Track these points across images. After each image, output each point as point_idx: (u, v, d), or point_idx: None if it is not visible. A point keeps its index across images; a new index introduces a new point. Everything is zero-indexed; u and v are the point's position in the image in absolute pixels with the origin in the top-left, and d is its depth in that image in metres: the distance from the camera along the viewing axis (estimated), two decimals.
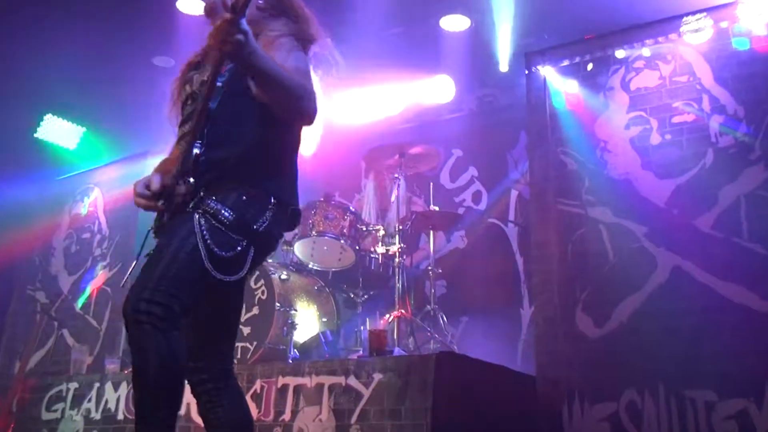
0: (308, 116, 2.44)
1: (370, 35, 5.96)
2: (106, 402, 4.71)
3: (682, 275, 4.25)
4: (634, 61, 4.84)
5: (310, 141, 6.97)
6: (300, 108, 2.40)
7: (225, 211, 2.32)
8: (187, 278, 2.23)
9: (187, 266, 2.23)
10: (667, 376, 4.10)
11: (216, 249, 2.28)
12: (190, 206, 2.32)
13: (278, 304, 4.72)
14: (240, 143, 2.41)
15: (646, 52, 4.82)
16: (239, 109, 2.42)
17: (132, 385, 2.24)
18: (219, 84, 2.38)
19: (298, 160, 2.64)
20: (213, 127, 2.37)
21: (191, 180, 2.33)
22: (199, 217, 2.30)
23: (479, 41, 6.16)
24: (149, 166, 6.85)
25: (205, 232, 2.28)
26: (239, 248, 2.34)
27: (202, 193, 2.33)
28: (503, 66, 6.24)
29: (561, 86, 5.05)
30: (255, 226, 2.37)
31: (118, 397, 4.68)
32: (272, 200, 2.43)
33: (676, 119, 4.58)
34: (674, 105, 4.61)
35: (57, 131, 7.38)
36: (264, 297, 4.80)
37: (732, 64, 4.50)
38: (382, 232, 5.35)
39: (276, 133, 2.48)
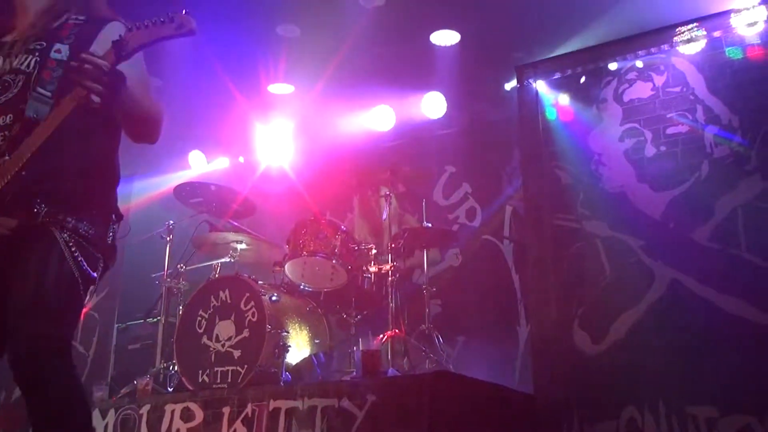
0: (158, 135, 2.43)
1: (362, 52, 5.99)
2: (93, 430, 4.65)
3: (680, 289, 4.24)
4: (627, 72, 4.86)
5: (295, 158, 7.00)
6: (158, 130, 2.40)
7: (83, 225, 2.26)
8: (70, 306, 2.21)
9: (68, 294, 2.19)
10: (668, 392, 4.07)
11: (89, 270, 2.24)
12: (39, 220, 2.21)
13: (269, 326, 4.69)
14: (79, 153, 2.32)
15: (638, 63, 4.84)
16: (73, 118, 2.24)
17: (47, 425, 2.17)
18: (48, 94, 2.24)
19: None
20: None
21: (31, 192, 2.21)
22: (62, 234, 2.22)
23: (469, 55, 6.19)
24: (136, 188, 6.87)
25: (74, 251, 2.22)
26: (101, 265, 2.32)
27: (44, 206, 2.22)
28: (494, 80, 6.27)
29: (553, 99, 5.07)
30: (108, 240, 2.35)
31: (105, 425, 4.62)
32: (112, 212, 2.41)
33: (670, 130, 4.59)
34: (668, 116, 4.62)
35: None
36: (254, 319, 4.78)
37: (726, 73, 4.52)
38: (374, 251, 5.34)
39: (111, 142, 2.45)
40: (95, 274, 2.28)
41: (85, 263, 2.22)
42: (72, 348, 2.22)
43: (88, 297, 2.36)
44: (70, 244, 2.21)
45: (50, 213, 2.23)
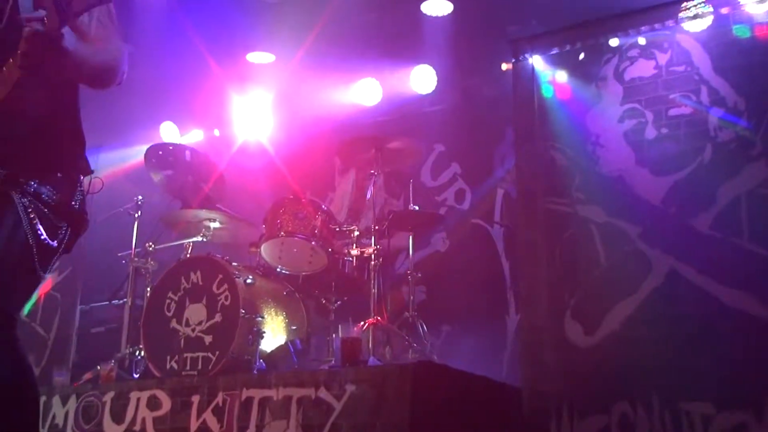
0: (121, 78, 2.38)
1: (348, 19, 5.96)
2: (54, 417, 4.65)
3: (679, 279, 4.27)
4: (629, 49, 4.86)
5: (274, 133, 6.98)
6: (114, 78, 2.34)
7: (46, 189, 2.24)
8: (20, 278, 2.18)
9: (18, 265, 2.16)
10: (662, 387, 4.11)
11: (48, 239, 2.21)
12: None
13: (243, 311, 4.69)
14: (38, 112, 2.30)
15: (641, 40, 4.84)
16: (27, 79, 2.22)
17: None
18: None
19: None
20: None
21: None
22: (22, 199, 2.19)
23: (463, 28, 6.18)
24: (102, 160, 6.82)
25: (33, 218, 2.19)
26: (61, 234, 2.29)
27: (3, 169, 2.20)
28: (488, 55, 6.26)
29: (550, 76, 5.06)
30: (75, 205, 2.32)
31: (66, 412, 4.62)
32: (80, 173, 2.38)
33: (672, 112, 4.60)
34: (671, 97, 4.63)
35: None
36: (227, 303, 4.78)
37: (732, 53, 4.53)
38: (356, 233, 5.35)
39: (72, 97, 2.41)
40: (55, 244, 2.26)
41: (43, 232, 2.20)
42: (18, 323, 2.18)
43: (49, 272, 2.33)
44: (29, 210, 2.19)
45: (10, 176, 2.20)
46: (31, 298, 2.23)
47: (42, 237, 2.20)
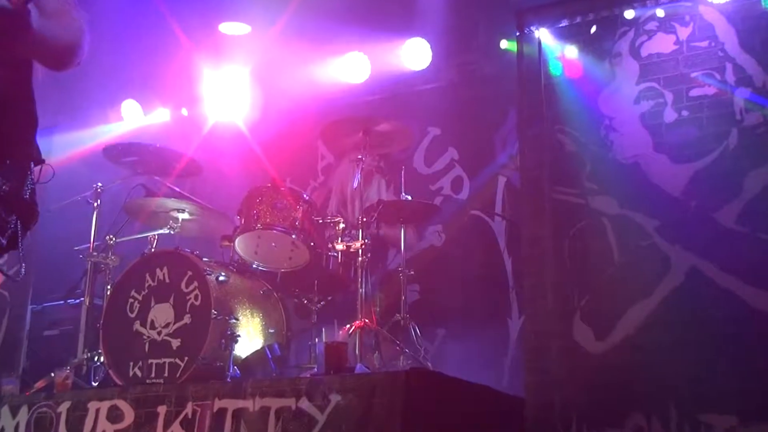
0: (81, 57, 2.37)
1: None
2: (2, 429, 4.64)
3: (700, 278, 4.30)
4: (646, 22, 4.88)
5: (250, 113, 6.95)
6: (74, 57, 2.33)
7: None
8: None
9: None
10: (680, 397, 4.15)
11: None
12: None
13: (215, 312, 4.69)
14: None
15: (659, 12, 4.86)
16: None
17: None
18: None
19: None
20: None
21: None
22: None
23: None
24: (57, 142, 6.79)
25: None
26: (10, 230, 2.27)
27: None
28: (490, 27, 6.25)
29: (559, 52, 5.07)
30: (26, 195, 2.30)
31: (17, 424, 4.61)
32: (31, 159, 2.35)
33: (694, 92, 4.62)
34: (692, 75, 4.65)
35: None
36: (197, 303, 4.77)
37: (761, 27, 4.55)
38: (342, 226, 5.35)
39: (24, 75, 2.37)
40: (4, 241, 2.25)
41: None
42: None
43: None
44: None
45: None
46: None
47: None
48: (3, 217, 2.24)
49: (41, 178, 2.46)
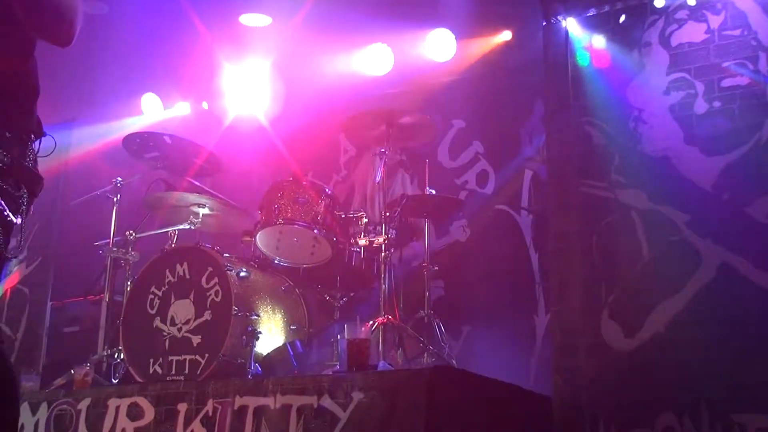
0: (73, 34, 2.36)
1: None
2: (22, 427, 4.68)
3: (732, 274, 4.27)
4: (676, 10, 4.85)
5: (271, 106, 6.96)
6: (64, 30, 2.33)
7: None
8: None
9: None
10: (712, 397, 4.12)
11: (10, 215, 2.21)
12: None
13: (236, 308, 4.71)
14: None
15: (690, 0, 4.83)
16: None
17: None
18: None
19: None
20: None
21: None
22: None
23: None
24: (76, 136, 6.84)
25: None
26: (23, 206, 2.29)
27: None
28: (515, 16, 6.23)
29: (586, 41, 5.05)
30: (28, 163, 2.32)
31: (36, 422, 4.65)
32: (31, 131, 2.38)
33: (726, 83, 4.59)
34: (724, 65, 4.62)
35: None
36: (218, 299, 4.79)
37: None
38: (365, 220, 5.35)
39: (21, 46, 2.39)
40: (18, 220, 2.26)
41: (6, 208, 2.19)
42: None
43: (12, 265, 2.34)
44: None
45: None
46: None
47: (5, 214, 2.20)
48: (12, 193, 2.26)
49: (42, 150, 2.47)
